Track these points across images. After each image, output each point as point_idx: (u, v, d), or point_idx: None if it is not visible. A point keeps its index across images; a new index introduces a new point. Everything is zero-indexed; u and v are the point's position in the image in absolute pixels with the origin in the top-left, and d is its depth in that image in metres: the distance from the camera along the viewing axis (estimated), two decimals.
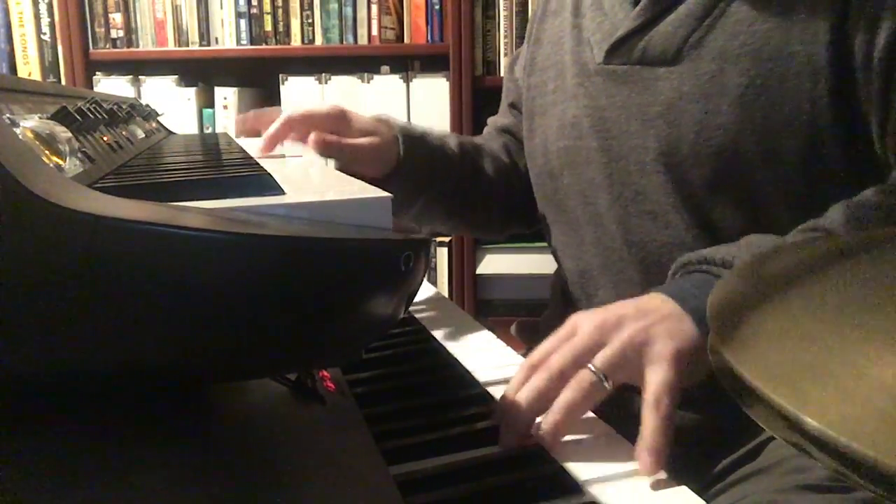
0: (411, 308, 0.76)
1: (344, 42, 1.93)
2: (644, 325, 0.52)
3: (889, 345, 0.30)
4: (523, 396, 0.50)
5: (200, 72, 2.03)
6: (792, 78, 0.69)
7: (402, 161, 0.85)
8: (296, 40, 1.94)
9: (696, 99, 0.73)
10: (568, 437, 0.50)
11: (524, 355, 0.68)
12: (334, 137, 0.82)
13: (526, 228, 1.06)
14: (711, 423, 0.75)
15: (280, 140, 0.83)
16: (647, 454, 0.46)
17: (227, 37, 1.96)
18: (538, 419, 0.50)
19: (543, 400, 0.50)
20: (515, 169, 0.99)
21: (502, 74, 1.90)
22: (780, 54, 0.70)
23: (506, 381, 0.59)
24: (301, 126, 0.83)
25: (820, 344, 0.31)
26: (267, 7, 1.94)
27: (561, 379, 0.50)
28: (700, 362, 0.50)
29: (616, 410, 0.54)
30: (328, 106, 0.84)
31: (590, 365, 0.50)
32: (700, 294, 0.54)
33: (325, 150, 0.81)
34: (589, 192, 0.82)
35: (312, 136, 0.81)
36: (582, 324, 0.54)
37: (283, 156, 0.83)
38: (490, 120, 1.06)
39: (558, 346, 0.53)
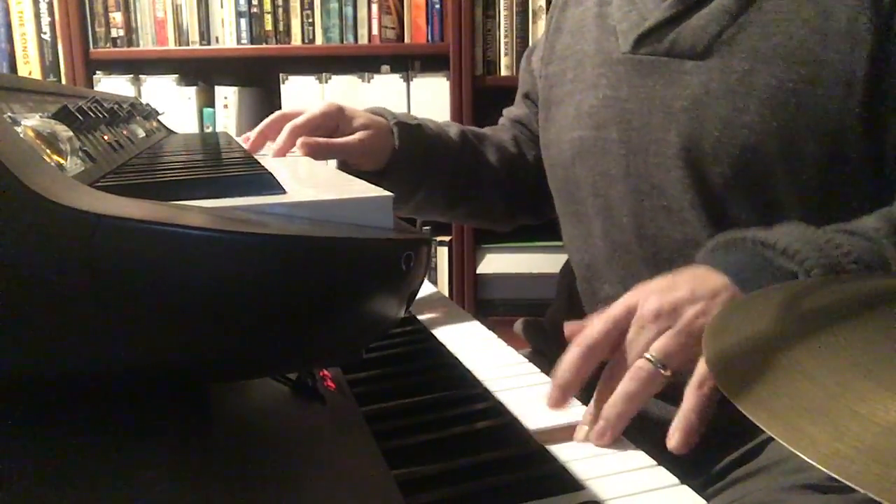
0: (411, 308, 0.76)
1: (344, 41, 1.93)
2: (700, 310, 0.52)
3: (882, 383, 0.31)
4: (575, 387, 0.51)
5: (201, 71, 2.03)
6: (824, 85, 0.69)
7: (398, 151, 0.85)
8: (296, 40, 1.94)
9: (723, 96, 0.72)
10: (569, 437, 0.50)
11: (527, 355, 0.68)
12: (320, 140, 0.83)
13: (534, 220, 1.05)
14: (712, 422, 0.75)
15: (289, 150, 0.84)
16: (678, 432, 0.47)
17: (228, 36, 1.96)
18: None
19: (602, 398, 0.51)
20: (523, 159, 0.98)
21: (503, 74, 1.91)
22: (815, 59, 0.69)
23: (506, 381, 0.59)
24: (303, 132, 0.83)
25: (816, 382, 0.32)
26: (267, 6, 1.94)
27: (620, 370, 0.51)
28: None
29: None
30: (324, 105, 0.85)
31: (647, 354, 0.50)
32: (755, 276, 0.54)
33: (314, 154, 0.81)
34: (601, 183, 0.82)
35: (299, 142, 0.82)
36: (639, 307, 0.53)
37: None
38: (505, 111, 1.06)
39: (611, 330, 0.53)
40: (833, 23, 0.69)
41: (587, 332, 0.54)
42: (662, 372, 0.50)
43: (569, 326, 0.55)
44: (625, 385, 0.50)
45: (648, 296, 0.54)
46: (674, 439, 0.47)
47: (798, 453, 0.27)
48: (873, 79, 0.68)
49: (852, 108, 0.69)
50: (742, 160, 0.71)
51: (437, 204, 0.95)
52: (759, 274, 0.55)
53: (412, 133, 0.87)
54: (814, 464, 0.26)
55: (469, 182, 0.94)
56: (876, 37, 0.67)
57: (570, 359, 0.53)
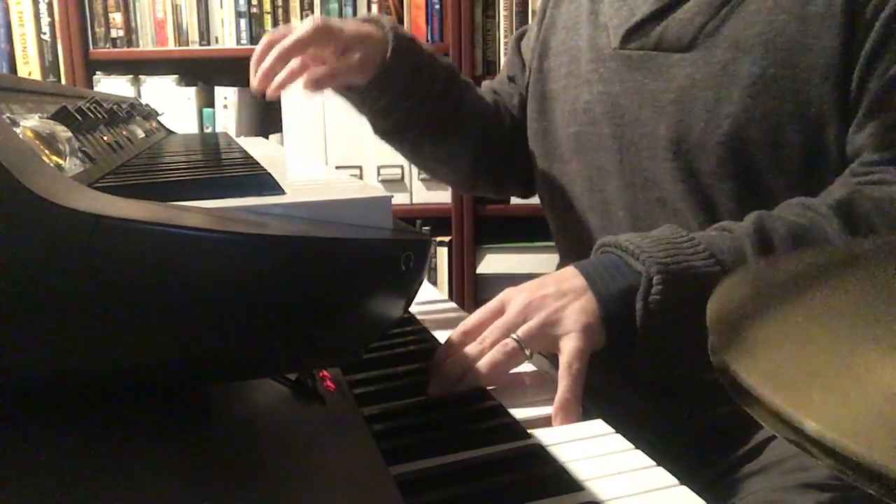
0: (411, 308, 0.76)
1: None
2: (562, 304, 0.60)
3: (886, 349, 0.30)
4: (456, 361, 0.58)
5: (200, 71, 2.03)
6: (804, 71, 0.70)
7: (391, 58, 0.80)
8: None
9: (707, 87, 0.73)
10: (569, 437, 0.50)
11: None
12: (324, 70, 0.77)
13: (494, 193, 1.03)
14: (713, 422, 0.75)
15: (275, 72, 0.77)
16: (559, 413, 0.54)
17: (227, 36, 1.96)
18: None
19: (472, 361, 0.58)
20: (498, 120, 0.95)
21: (502, 69, 1.91)
22: (795, 46, 0.70)
23: (505, 381, 0.59)
24: (294, 55, 0.77)
25: (821, 349, 0.31)
26: (267, 7, 1.94)
27: (490, 348, 0.58)
28: (601, 332, 0.59)
29: (627, 415, 0.55)
30: (310, 24, 0.76)
31: (513, 335, 0.58)
32: (608, 277, 0.61)
33: (320, 86, 0.77)
34: (597, 179, 0.82)
35: (305, 77, 0.76)
36: (511, 300, 0.61)
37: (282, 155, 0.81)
38: (485, 83, 1.03)
39: (490, 319, 0.61)
40: (812, 7, 0.70)
41: (467, 320, 0.62)
42: (524, 351, 0.58)
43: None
44: (492, 355, 0.58)
45: (520, 292, 0.62)
46: (557, 420, 0.54)
47: (802, 422, 0.26)
48: (847, 64, 0.69)
49: (830, 93, 0.69)
50: (727, 150, 0.72)
51: (414, 129, 0.89)
52: (612, 275, 0.61)
53: (406, 44, 0.82)
54: (820, 433, 0.26)
55: (449, 115, 0.89)
56: (849, 21, 0.68)
57: (448, 343, 0.61)
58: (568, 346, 0.58)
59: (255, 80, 0.77)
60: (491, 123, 0.94)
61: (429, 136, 0.91)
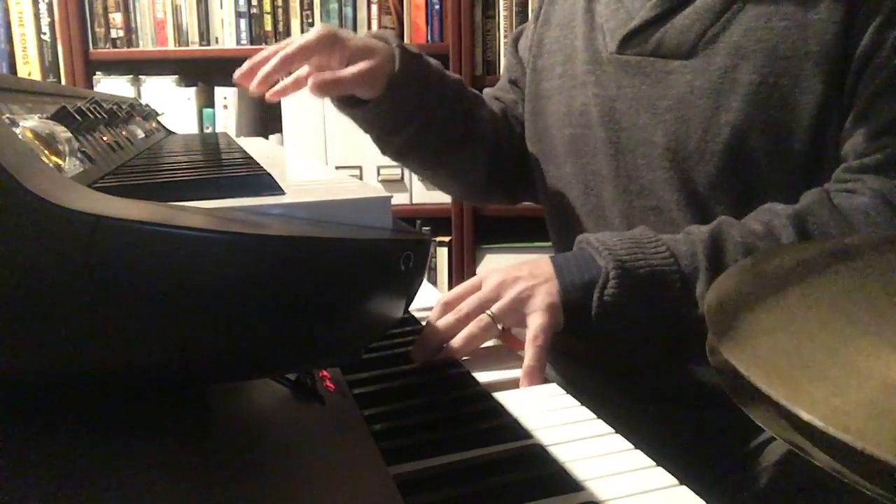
0: (411, 308, 0.76)
1: None
2: (532, 285, 0.66)
3: (881, 339, 0.30)
4: (437, 328, 0.64)
5: (200, 71, 2.03)
6: (807, 78, 0.69)
7: (397, 77, 0.78)
8: None
9: (706, 94, 0.72)
10: (569, 437, 0.50)
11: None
12: (331, 75, 0.75)
13: (508, 200, 1.02)
14: (712, 424, 0.75)
15: (277, 76, 0.75)
16: (525, 378, 0.61)
17: (227, 36, 1.96)
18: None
19: (451, 332, 0.64)
20: (509, 132, 0.94)
21: (502, 74, 1.92)
22: (797, 53, 0.69)
23: (506, 381, 0.60)
24: (298, 62, 0.75)
25: (814, 340, 0.32)
26: (267, 7, 1.94)
27: (464, 320, 0.65)
28: (562, 315, 0.66)
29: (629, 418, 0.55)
30: (317, 32, 0.75)
31: (488, 311, 0.65)
32: (575, 269, 0.67)
33: (325, 90, 0.75)
34: (592, 184, 0.81)
35: (310, 81, 0.74)
36: (487, 279, 0.68)
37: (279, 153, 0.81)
38: (486, 90, 1.01)
39: (467, 293, 0.67)
40: (813, 14, 0.69)
41: (448, 293, 0.69)
42: (496, 326, 0.64)
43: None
44: (469, 328, 0.64)
45: (496, 273, 0.68)
46: (524, 383, 0.60)
47: (797, 412, 0.27)
48: (851, 70, 0.69)
49: (831, 102, 0.69)
50: (726, 159, 0.72)
51: (425, 147, 0.88)
52: (579, 267, 0.67)
53: (414, 61, 0.80)
54: (813, 421, 0.26)
55: (460, 132, 0.88)
56: (850, 27, 0.68)
57: (433, 314, 0.67)
58: (534, 322, 0.64)
59: (255, 82, 0.74)
60: (501, 135, 0.94)
61: (439, 153, 0.89)
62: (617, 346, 0.73)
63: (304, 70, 0.77)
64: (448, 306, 0.67)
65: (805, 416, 0.26)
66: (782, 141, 0.70)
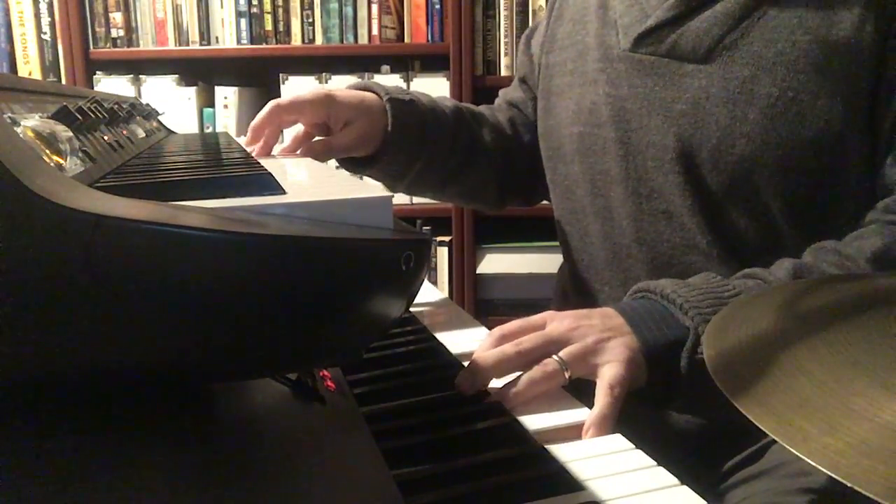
0: (411, 308, 0.76)
1: (344, 41, 1.93)
2: (606, 337, 0.59)
3: (876, 380, 0.31)
4: (492, 356, 0.57)
5: (201, 71, 2.03)
6: (827, 95, 0.67)
7: (392, 131, 0.81)
8: (296, 40, 1.94)
9: (723, 103, 0.71)
10: (570, 437, 0.50)
11: None
12: (322, 143, 0.81)
13: (525, 203, 1.03)
14: (714, 426, 0.75)
15: (265, 129, 0.80)
16: (592, 428, 0.52)
17: (228, 36, 1.96)
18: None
19: (506, 366, 0.57)
20: (518, 142, 0.95)
21: (503, 74, 1.91)
22: (818, 68, 0.68)
23: (507, 383, 0.59)
24: (288, 114, 0.80)
25: (811, 378, 0.32)
26: (267, 6, 1.94)
27: (524, 356, 0.57)
28: (643, 371, 0.59)
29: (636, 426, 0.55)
30: (312, 92, 0.80)
31: (556, 356, 0.57)
32: (653, 325, 0.61)
33: (318, 156, 0.79)
34: (601, 184, 0.80)
35: (302, 150, 0.81)
36: (554, 320, 0.61)
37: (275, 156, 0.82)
38: (502, 92, 1.03)
39: (529, 328, 0.60)
40: (838, 31, 0.67)
41: (506, 325, 0.61)
42: (565, 372, 0.56)
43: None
44: (533, 373, 0.56)
45: (564, 316, 0.61)
46: (589, 433, 0.52)
47: (789, 447, 0.27)
48: (877, 91, 0.67)
49: (854, 122, 0.67)
50: (739, 170, 0.70)
51: (430, 183, 0.92)
52: (658, 325, 0.61)
53: (405, 110, 0.83)
54: (804, 458, 0.26)
55: (463, 161, 0.90)
56: (880, 46, 0.66)
57: (486, 343, 0.60)
58: (610, 372, 0.57)
59: (256, 148, 0.81)
60: (512, 149, 0.94)
61: (445, 184, 0.93)
62: (697, 410, 0.67)
63: (300, 127, 0.84)
64: (505, 339, 0.60)
65: (796, 452, 0.27)
66: (797, 158, 0.69)
